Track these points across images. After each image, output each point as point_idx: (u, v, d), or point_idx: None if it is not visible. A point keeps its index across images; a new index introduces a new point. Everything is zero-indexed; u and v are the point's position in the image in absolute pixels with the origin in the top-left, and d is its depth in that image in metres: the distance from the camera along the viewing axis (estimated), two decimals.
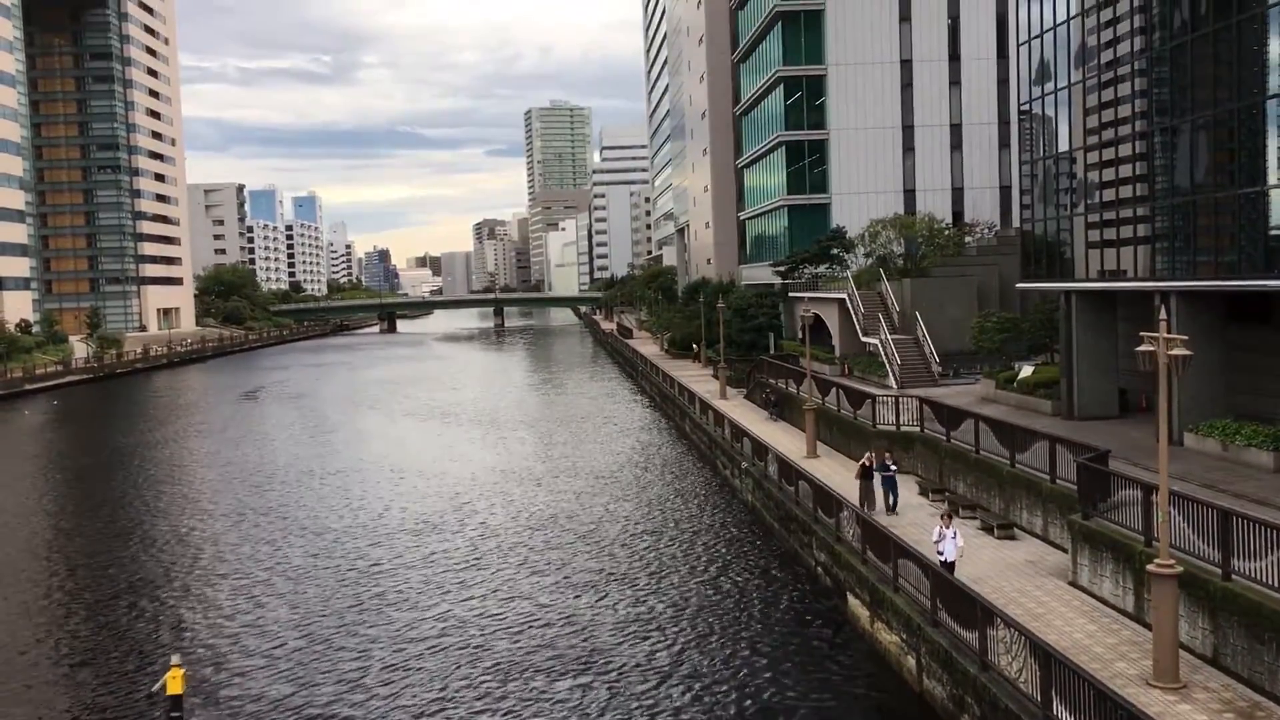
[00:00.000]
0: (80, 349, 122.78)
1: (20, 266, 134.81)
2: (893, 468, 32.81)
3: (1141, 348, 18.70)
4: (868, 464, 32.63)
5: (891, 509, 32.08)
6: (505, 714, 21.63)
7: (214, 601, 30.30)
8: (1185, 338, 19.10)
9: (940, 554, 23.44)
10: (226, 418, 77.00)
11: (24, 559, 36.35)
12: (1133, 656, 19.72)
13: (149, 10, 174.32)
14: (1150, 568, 18.53)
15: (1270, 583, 17.99)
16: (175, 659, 20.36)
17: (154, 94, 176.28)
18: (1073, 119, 38.63)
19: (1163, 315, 19.60)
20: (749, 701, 21.97)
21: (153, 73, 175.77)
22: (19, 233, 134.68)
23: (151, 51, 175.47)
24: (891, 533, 25.59)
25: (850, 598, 26.59)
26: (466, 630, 26.90)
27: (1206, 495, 22.56)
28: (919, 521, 30.63)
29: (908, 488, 34.34)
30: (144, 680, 23.57)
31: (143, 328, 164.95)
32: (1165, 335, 18.41)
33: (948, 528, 24.09)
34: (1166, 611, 18.16)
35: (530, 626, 27.11)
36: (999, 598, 22.58)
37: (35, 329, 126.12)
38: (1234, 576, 18.89)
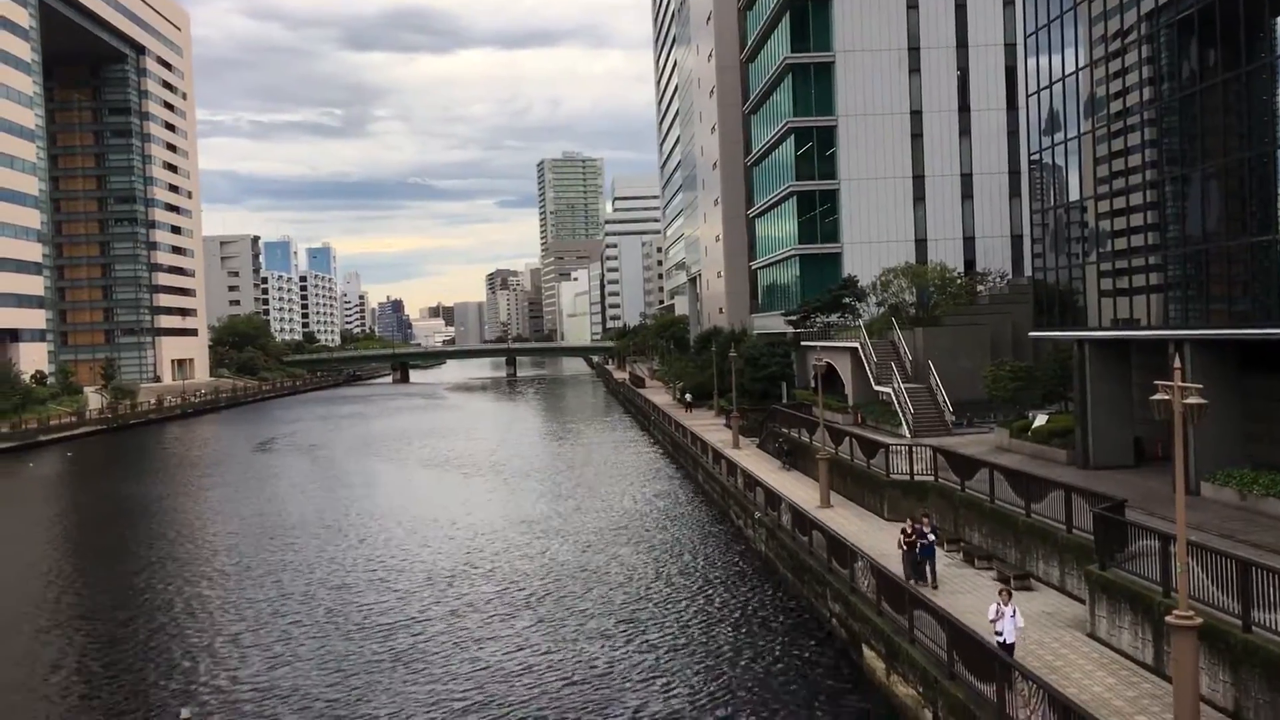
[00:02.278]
0: (95, 400, 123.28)
1: (37, 319, 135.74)
2: (930, 536, 29.39)
3: (1156, 396, 18.60)
4: (909, 531, 29.37)
5: (931, 582, 28.73)
6: None
7: (226, 655, 30.14)
8: (1200, 386, 19.01)
9: (998, 635, 21.06)
10: (241, 469, 77.05)
11: (36, 610, 36.25)
12: (1154, 710, 19.43)
13: (167, 66, 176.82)
14: (1169, 619, 18.30)
15: None
16: (185, 712, 20.23)
17: (171, 147, 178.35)
18: (1083, 168, 38.75)
19: (1177, 364, 19.53)
20: None
21: (170, 126, 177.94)
22: (36, 285, 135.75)
23: (169, 106, 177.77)
24: (908, 584, 25.39)
25: (866, 649, 26.30)
26: (482, 682, 26.66)
27: (1225, 545, 22.33)
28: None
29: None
30: None
31: (157, 378, 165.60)
32: (1180, 384, 18.32)
33: (1006, 605, 21.49)
34: (1187, 664, 17.91)
35: (545, 676, 26.88)
36: (1017, 650, 22.29)
37: (50, 380, 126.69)
38: (1255, 628, 18.65)
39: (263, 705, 25.63)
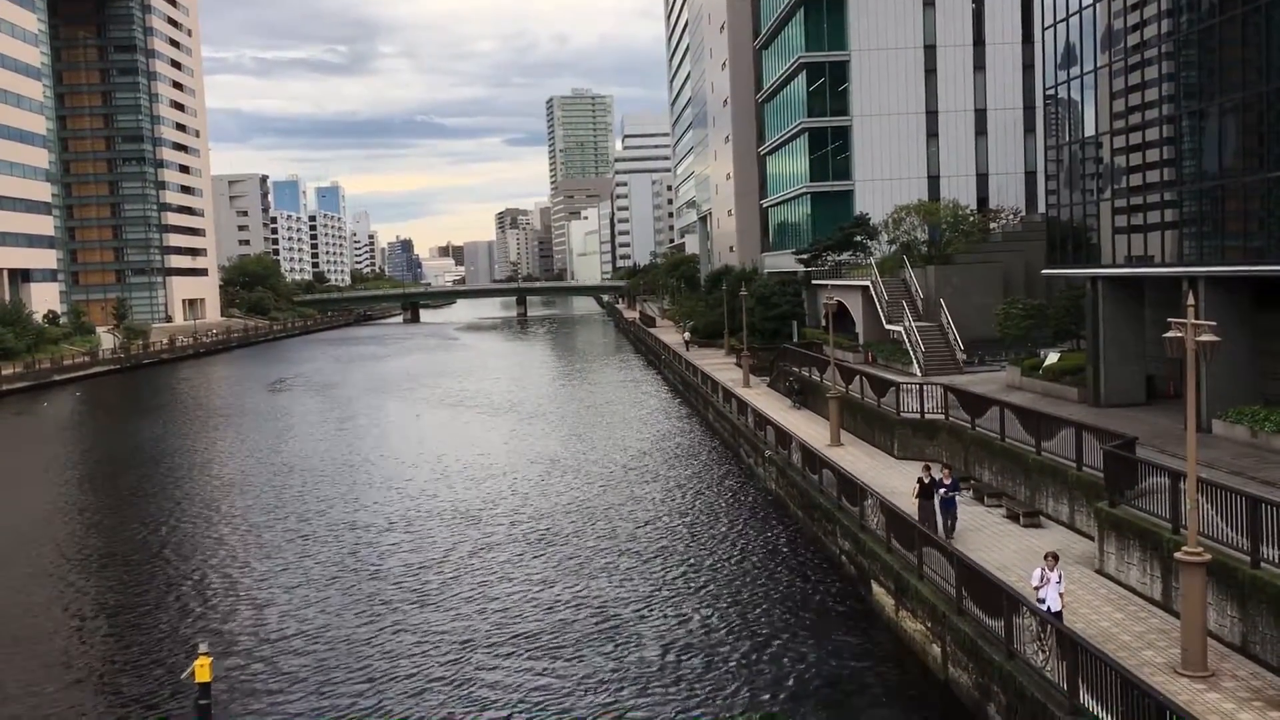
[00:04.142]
0: (107, 340, 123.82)
1: (47, 258, 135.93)
2: (945, 484, 27.92)
3: (1169, 334, 18.52)
4: (924, 480, 28.21)
5: (949, 532, 27.38)
6: (534, 687, 21.71)
7: (243, 591, 30.52)
8: (1213, 324, 18.93)
9: (1042, 601, 19.62)
10: (254, 408, 77.50)
11: (54, 550, 36.70)
12: (1160, 645, 19.59)
13: (172, 2, 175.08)
14: (1179, 555, 18.39)
15: None
16: (203, 647, 20.51)
17: (177, 85, 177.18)
18: (1099, 103, 38.27)
19: (1191, 301, 19.42)
20: (771, 687, 21.96)
21: (176, 64, 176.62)
22: (46, 225, 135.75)
23: (174, 43, 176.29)
24: (916, 521, 25.52)
25: (875, 586, 26.52)
26: (494, 613, 27.00)
27: (1235, 482, 22.37)
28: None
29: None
30: (173, 668, 23.81)
31: (169, 318, 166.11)
32: (1193, 321, 18.23)
33: (1052, 570, 20.10)
34: (1195, 600, 18.02)
35: (567, 611, 27.25)
36: (1025, 586, 22.41)
37: (63, 320, 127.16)
38: (1263, 564, 18.73)
39: (283, 643, 25.98)
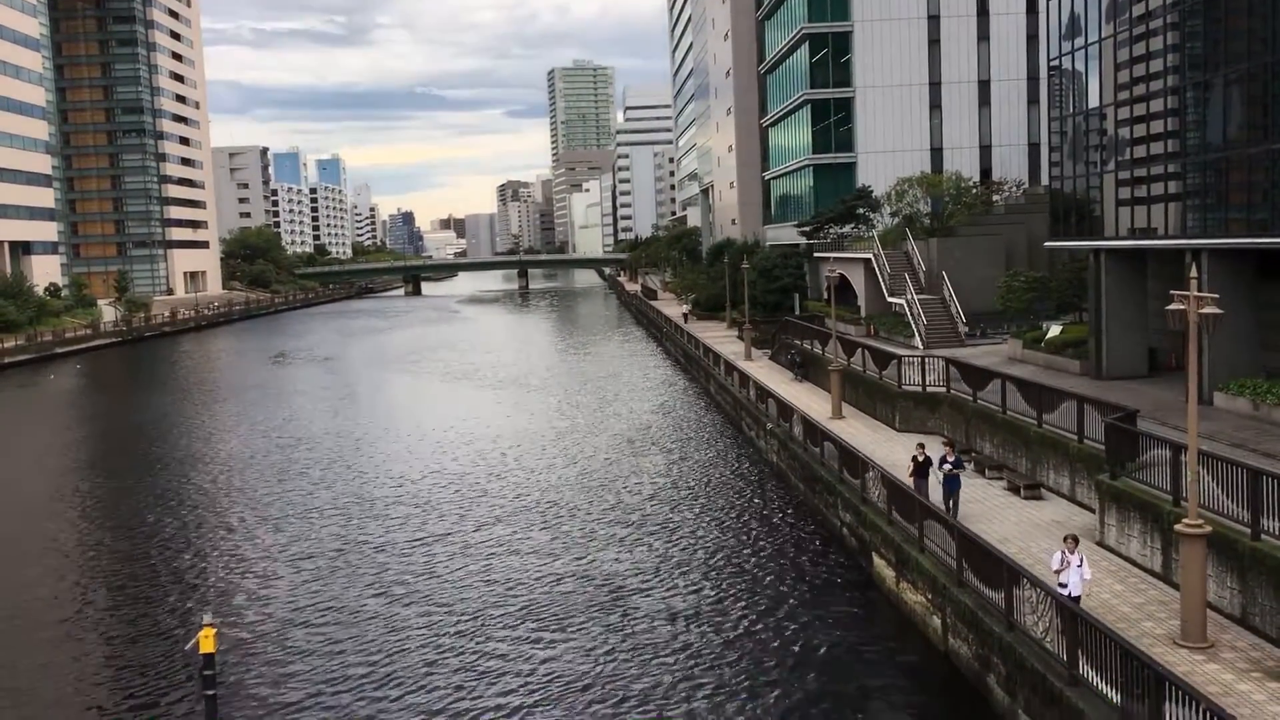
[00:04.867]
0: (109, 312, 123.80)
1: (48, 230, 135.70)
2: (949, 460, 26.93)
3: (1172, 306, 18.50)
4: (919, 458, 27.64)
5: (952, 512, 25.94)
6: (538, 657, 21.84)
7: (247, 563, 30.64)
8: (1216, 296, 18.90)
9: (1063, 586, 18.73)
10: (257, 381, 77.56)
11: (58, 522, 36.83)
12: (1160, 616, 19.67)
13: None
14: (1179, 527, 18.43)
15: None
16: (207, 618, 20.60)
17: (177, 56, 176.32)
18: (1103, 74, 38.05)
19: (1194, 273, 19.38)
20: (771, 658, 22.08)
21: (175, 35, 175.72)
22: (46, 197, 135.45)
23: (173, 14, 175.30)
24: (916, 493, 25.56)
25: (876, 558, 26.61)
26: (501, 585, 27.12)
27: (1236, 454, 22.39)
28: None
29: (933, 449, 33.08)
30: (177, 639, 23.94)
31: (170, 291, 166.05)
32: (1196, 294, 18.20)
33: (1073, 553, 19.14)
34: (1195, 571, 18.09)
35: (566, 579, 27.40)
36: (1025, 558, 22.54)
37: (64, 293, 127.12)
38: (1263, 536, 18.78)
39: (289, 616, 26.10)
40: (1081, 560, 19.12)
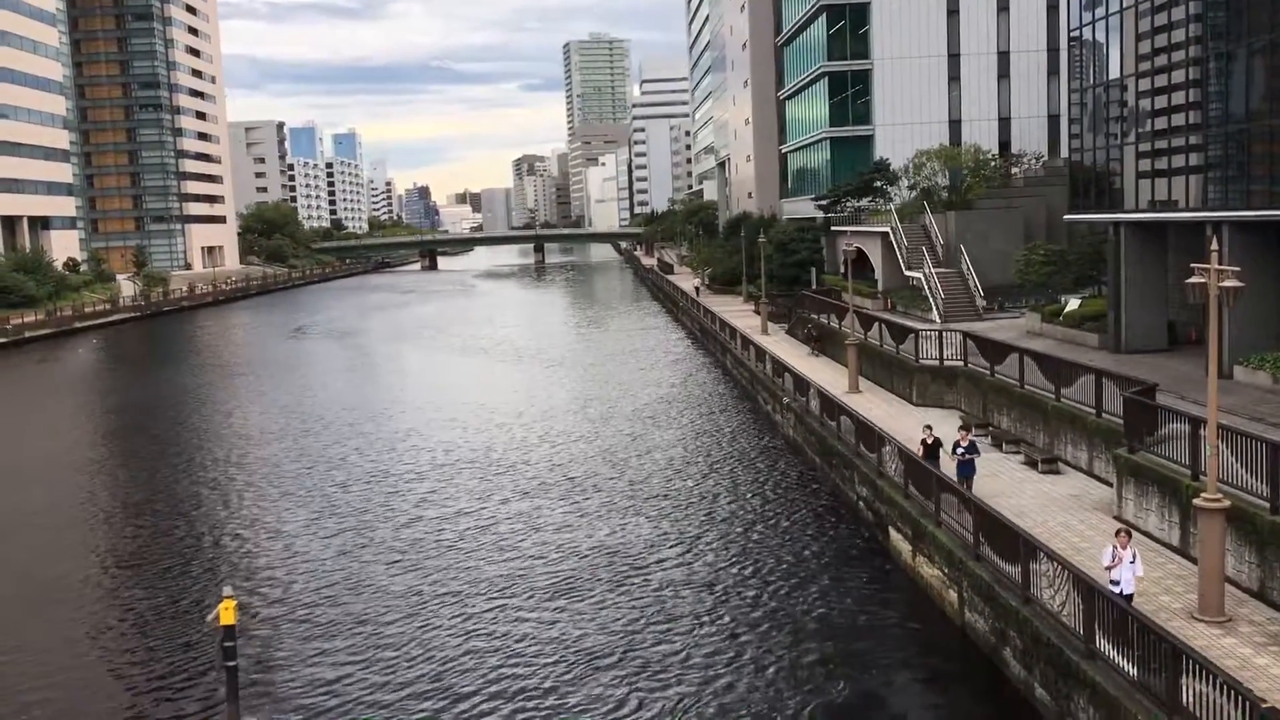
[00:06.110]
0: (127, 287, 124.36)
1: (66, 206, 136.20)
2: (963, 445, 25.83)
3: (1192, 279, 18.36)
4: (928, 441, 27.03)
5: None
6: (559, 624, 21.98)
7: (267, 536, 30.86)
8: (1237, 269, 18.74)
9: (1114, 583, 17.72)
10: (276, 356, 77.92)
11: (80, 495, 37.15)
12: (1177, 590, 19.64)
13: None
14: (1197, 502, 18.37)
15: None
16: (227, 590, 20.75)
17: (193, 31, 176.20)
18: (1124, 45, 37.66)
19: (1214, 246, 19.22)
20: (787, 630, 22.16)
21: (191, 9, 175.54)
22: (64, 172, 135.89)
23: None
24: (933, 468, 25.52)
25: (892, 532, 26.63)
26: (519, 557, 27.26)
27: (1256, 429, 22.27)
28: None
29: (949, 424, 32.66)
30: (196, 611, 24.15)
31: (188, 266, 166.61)
32: (1217, 266, 18.05)
33: (1124, 548, 17.98)
34: (1213, 546, 18.03)
35: (590, 553, 27.54)
36: (1042, 531, 22.53)
37: (83, 268, 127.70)
38: None
39: (314, 591, 26.25)
40: (1135, 556, 18.04)
